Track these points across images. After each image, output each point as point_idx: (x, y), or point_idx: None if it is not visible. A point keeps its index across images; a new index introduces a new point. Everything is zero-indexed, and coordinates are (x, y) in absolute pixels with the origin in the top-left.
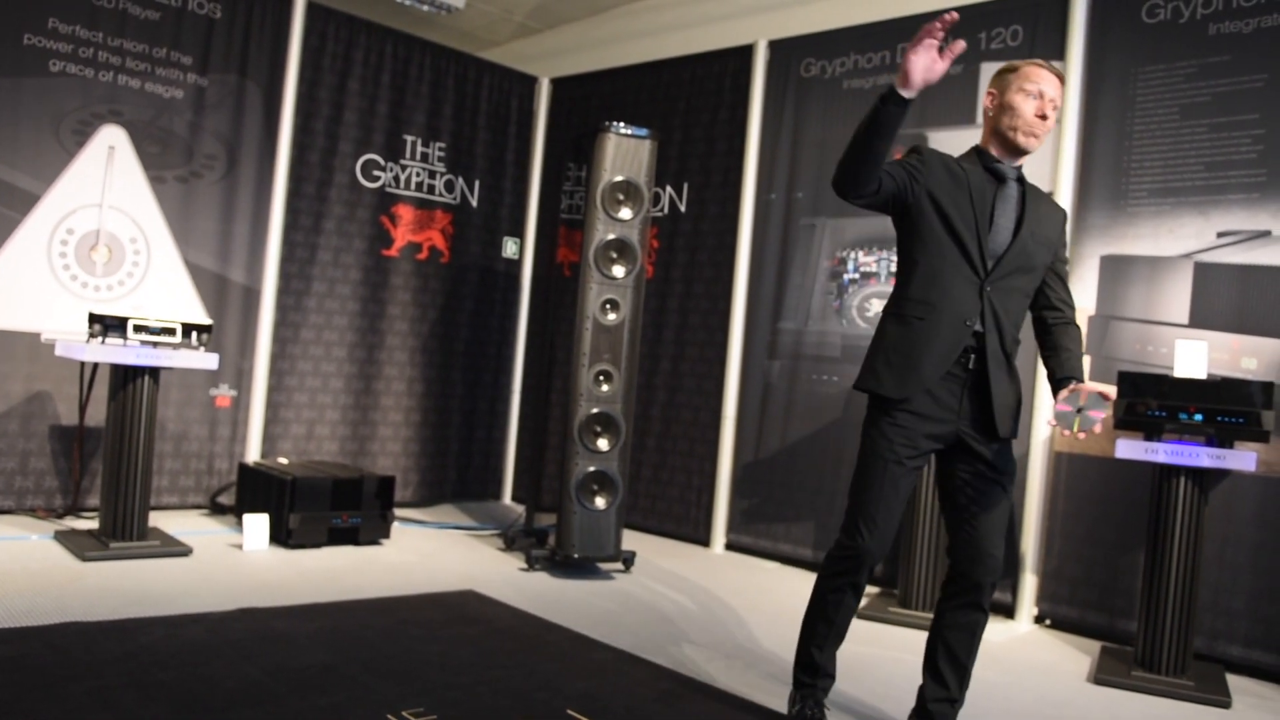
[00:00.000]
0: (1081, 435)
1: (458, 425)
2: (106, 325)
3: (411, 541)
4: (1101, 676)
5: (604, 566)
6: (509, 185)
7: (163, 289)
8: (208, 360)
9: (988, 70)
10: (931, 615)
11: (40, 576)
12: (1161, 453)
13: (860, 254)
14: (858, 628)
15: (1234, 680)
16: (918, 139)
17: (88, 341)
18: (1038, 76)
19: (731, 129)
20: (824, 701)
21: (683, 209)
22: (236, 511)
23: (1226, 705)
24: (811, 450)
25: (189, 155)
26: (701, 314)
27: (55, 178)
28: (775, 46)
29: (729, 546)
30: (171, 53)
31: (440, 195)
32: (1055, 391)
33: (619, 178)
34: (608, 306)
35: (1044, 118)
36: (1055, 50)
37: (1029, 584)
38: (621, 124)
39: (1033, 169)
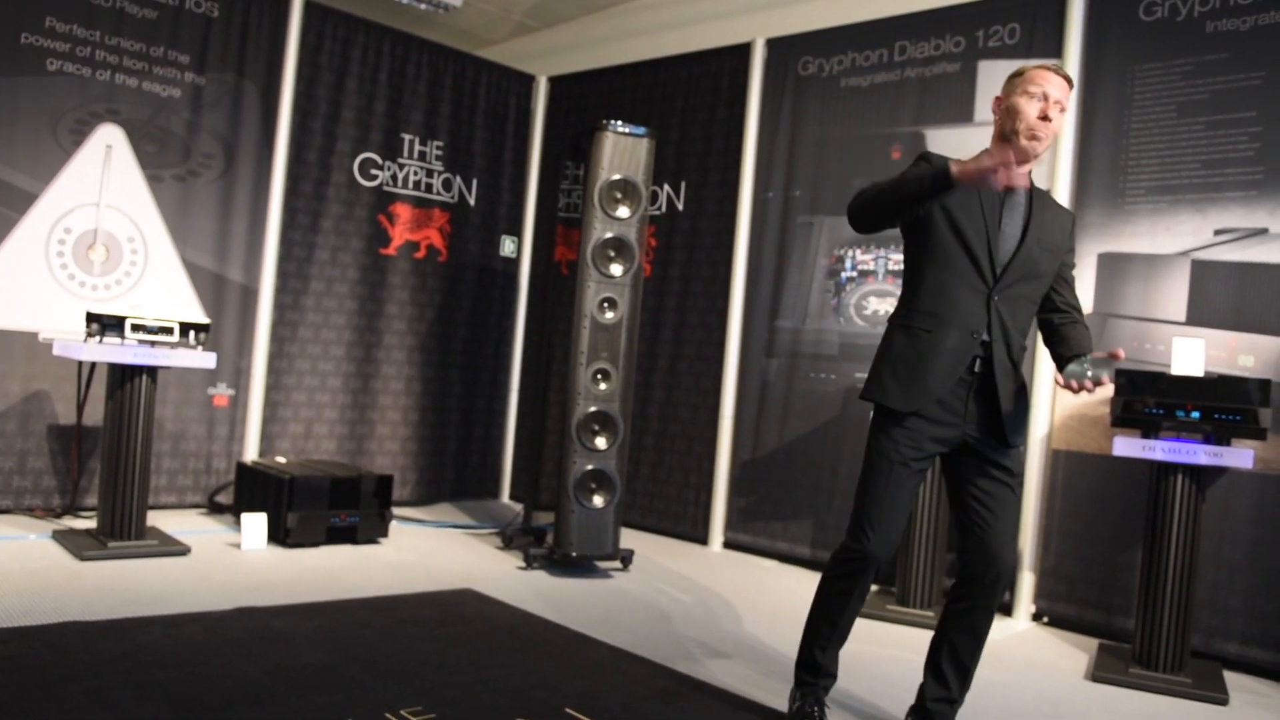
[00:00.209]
0: (1090, 386)
1: (455, 424)
2: (104, 324)
3: (409, 540)
4: (1099, 674)
5: (602, 565)
6: (507, 184)
7: (160, 288)
8: (205, 359)
9: (985, 68)
10: (930, 613)
11: (38, 576)
12: (1159, 450)
13: (858, 252)
14: (856, 625)
15: (1231, 677)
16: (915, 137)
17: (85, 341)
18: (1042, 79)
19: (729, 127)
20: (824, 700)
21: (680, 207)
22: (234, 511)
23: (1224, 702)
24: (809, 448)
25: (186, 154)
26: (699, 312)
27: (53, 177)
28: (773, 45)
29: (727, 544)
30: (169, 52)
31: (438, 194)
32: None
33: (617, 176)
34: (605, 305)
35: (1047, 119)
36: (1053, 48)
37: (1027, 581)
38: (619, 122)
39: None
